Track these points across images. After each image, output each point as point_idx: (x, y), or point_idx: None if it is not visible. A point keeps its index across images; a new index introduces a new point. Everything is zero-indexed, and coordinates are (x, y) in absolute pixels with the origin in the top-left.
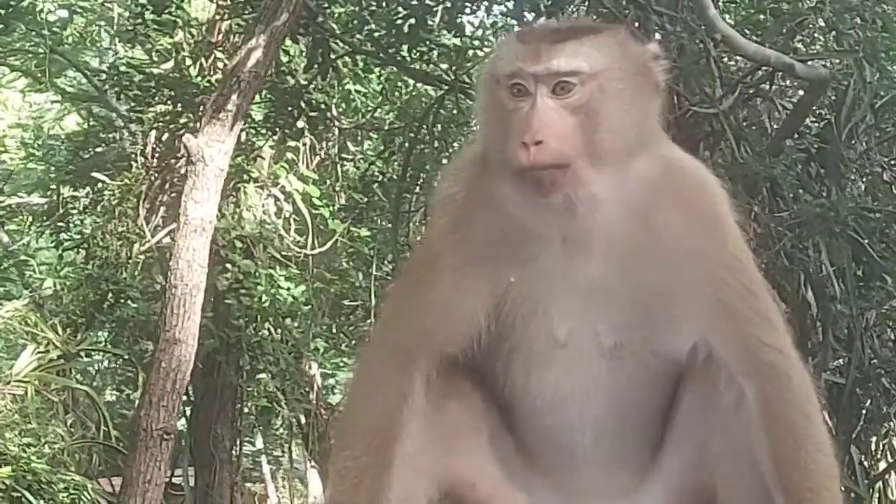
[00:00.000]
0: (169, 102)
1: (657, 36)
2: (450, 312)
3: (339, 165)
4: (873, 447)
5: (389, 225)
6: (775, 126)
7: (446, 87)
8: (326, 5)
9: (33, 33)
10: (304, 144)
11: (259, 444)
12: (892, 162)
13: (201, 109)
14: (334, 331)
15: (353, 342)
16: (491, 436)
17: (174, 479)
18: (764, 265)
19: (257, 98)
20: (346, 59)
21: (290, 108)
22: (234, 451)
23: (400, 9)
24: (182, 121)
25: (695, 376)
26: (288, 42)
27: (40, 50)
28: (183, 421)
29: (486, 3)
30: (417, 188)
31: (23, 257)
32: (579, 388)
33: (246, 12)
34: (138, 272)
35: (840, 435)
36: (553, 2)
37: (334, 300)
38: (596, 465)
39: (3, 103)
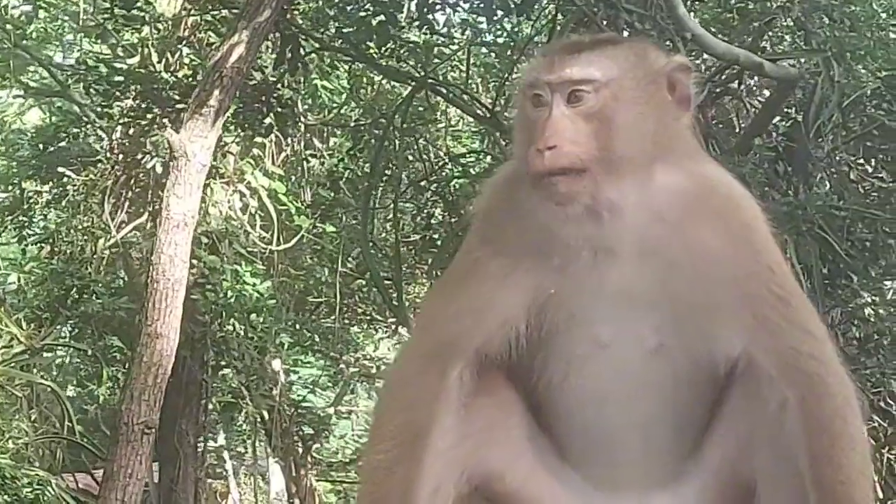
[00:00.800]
0: (136, 98)
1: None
2: (488, 317)
3: (304, 162)
4: None
5: (355, 221)
6: (744, 124)
7: (414, 84)
8: (296, 1)
9: None
10: (271, 141)
11: (221, 440)
12: (859, 161)
13: (170, 105)
14: (298, 327)
15: (317, 338)
16: (522, 430)
17: None
18: None
19: None
20: (314, 55)
21: (257, 105)
22: (198, 447)
23: (369, 5)
24: (149, 116)
25: (739, 377)
26: None
27: (4, 45)
28: None
29: None
30: (384, 184)
31: None
32: (621, 386)
33: (213, 8)
34: (103, 267)
35: None
36: (523, 0)
37: (299, 296)
38: (634, 460)
39: None
